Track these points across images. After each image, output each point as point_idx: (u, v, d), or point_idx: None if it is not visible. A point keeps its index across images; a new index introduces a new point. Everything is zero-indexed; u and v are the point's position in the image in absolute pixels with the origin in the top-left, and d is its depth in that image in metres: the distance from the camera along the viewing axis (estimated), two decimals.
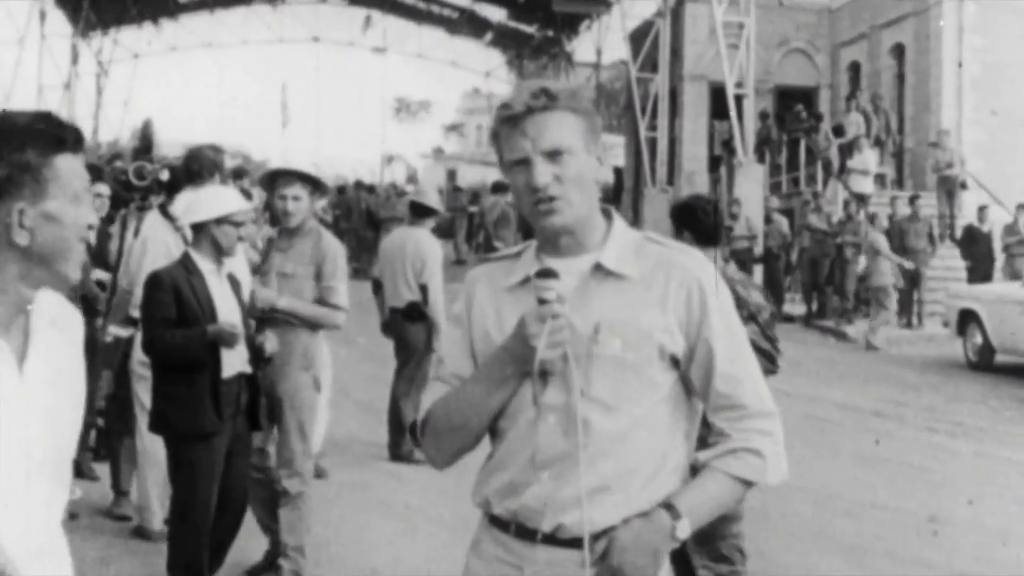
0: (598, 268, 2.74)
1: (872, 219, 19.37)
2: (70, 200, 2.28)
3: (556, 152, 2.67)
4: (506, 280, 2.83)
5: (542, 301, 2.63)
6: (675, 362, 2.74)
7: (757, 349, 5.50)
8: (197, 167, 7.26)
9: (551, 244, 2.78)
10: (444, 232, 24.63)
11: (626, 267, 2.74)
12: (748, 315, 5.59)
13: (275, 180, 6.59)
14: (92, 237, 2.66)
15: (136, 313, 6.99)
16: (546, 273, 2.65)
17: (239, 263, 6.45)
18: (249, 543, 6.32)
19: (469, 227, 29.10)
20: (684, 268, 2.75)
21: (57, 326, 2.36)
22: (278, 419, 6.45)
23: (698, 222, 5.78)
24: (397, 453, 9.58)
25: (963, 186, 21.74)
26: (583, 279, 2.74)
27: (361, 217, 27.78)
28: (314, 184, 6.61)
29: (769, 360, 5.57)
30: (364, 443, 10.21)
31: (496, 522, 2.79)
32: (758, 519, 7.27)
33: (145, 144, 11.67)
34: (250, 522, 6.25)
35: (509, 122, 2.71)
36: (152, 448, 6.82)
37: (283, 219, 6.54)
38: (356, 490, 8.85)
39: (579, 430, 2.66)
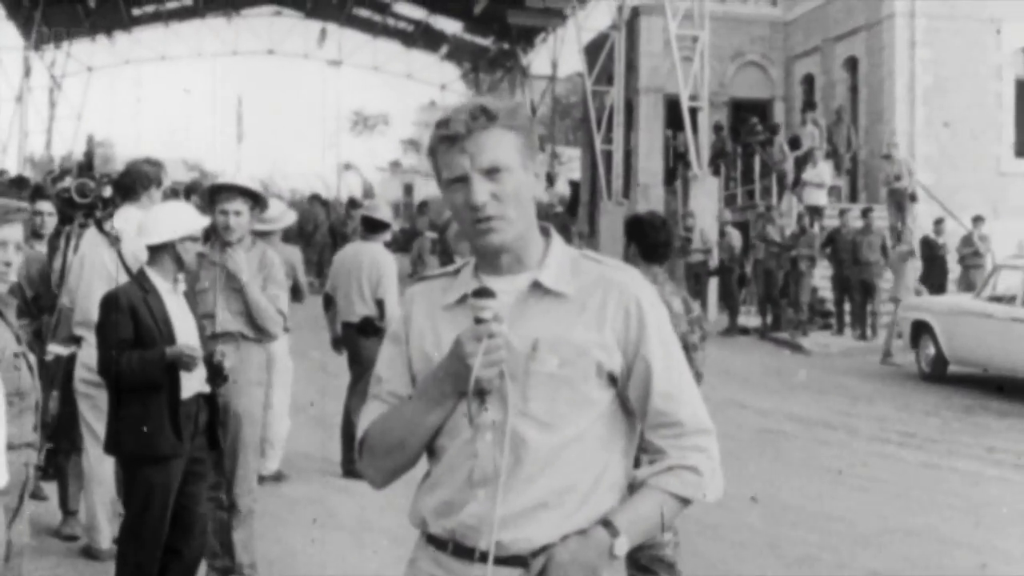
0: (536, 286, 2.75)
1: (899, 235, 19.62)
2: None
3: (494, 170, 2.67)
4: (443, 298, 2.83)
5: (479, 320, 2.63)
6: (612, 380, 2.74)
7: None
8: (130, 181, 7.20)
9: (489, 262, 2.78)
10: (400, 246, 24.62)
11: (564, 285, 2.75)
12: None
13: (216, 195, 6.57)
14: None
15: (79, 331, 6.94)
16: (483, 292, 2.65)
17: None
18: None
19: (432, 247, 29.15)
20: (622, 286, 2.76)
21: None
22: (233, 436, 6.40)
23: (645, 236, 5.83)
24: (350, 469, 9.54)
25: (912, 198, 21.91)
26: (521, 297, 2.74)
27: (322, 232, 27.82)
28: (255, 199, 6.58)
29: None
30: (317, 458, 10.17)
31: (433, 541, 2.78)
32: (709, 531, 7.31)
33: (88, 160, 11.56)
34: None
35: (447, 141, 2.71)
36: (99, 467, 6.78)
37: (224, 233, 6.50)
38: (309, 504, 8.82)
39: (505, 448, 2.66)
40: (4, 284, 4.39)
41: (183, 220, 5.87)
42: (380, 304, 9.52)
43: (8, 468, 3.95)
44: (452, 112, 2.73)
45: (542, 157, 2.83)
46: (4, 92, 32.40)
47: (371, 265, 9.48)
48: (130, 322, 5.64)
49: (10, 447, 4.11)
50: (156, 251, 5.81)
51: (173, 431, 5.58)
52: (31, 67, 33.51)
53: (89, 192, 8.24)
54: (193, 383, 5.75)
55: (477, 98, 2.79)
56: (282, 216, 9.90)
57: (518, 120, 2.73)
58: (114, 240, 6.94)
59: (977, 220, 20.35)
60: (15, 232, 4.36)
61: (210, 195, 6.61)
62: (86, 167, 11.21)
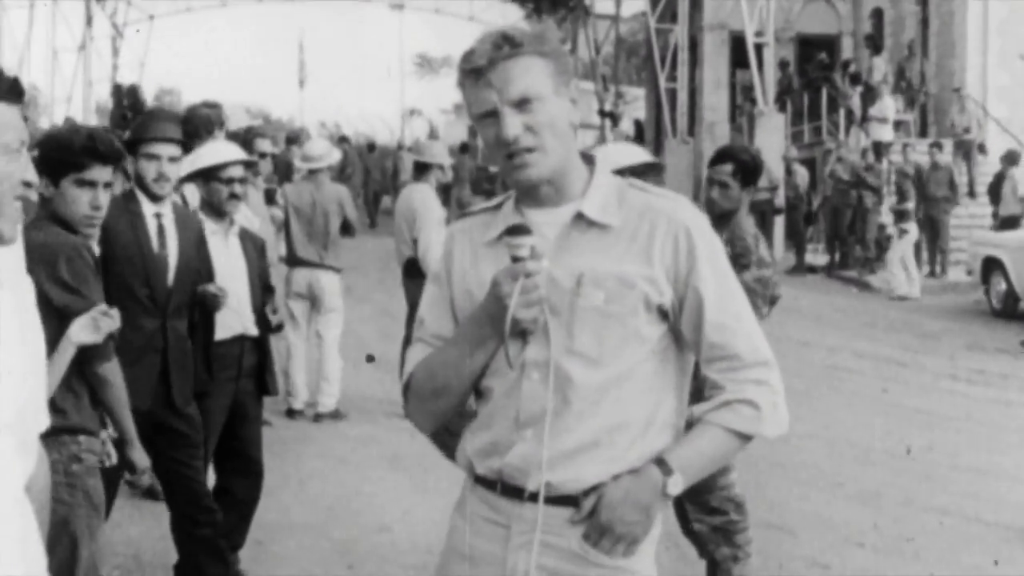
0: (579, 218, 2.64)
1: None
2: (1, 152, 2.16)
3: (524, 100, 2.55)
4: (484, 235, 2.74)
5: (515, 259, 2.54)
6: (663, 314, 2.64)
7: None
8: (192, 128, 7.18)
9: (530, 195, 2.68)
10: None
11: (609, 216, 2.64)
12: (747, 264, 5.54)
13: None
14: (32, 194, 2.53)
15: None
16: (518, 229, 2.55)
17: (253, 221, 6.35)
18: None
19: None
20: (670, 215, 2.64)
21: (7, 287, 2.24)
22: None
23: (739, 159, 5.70)
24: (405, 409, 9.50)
25: (981, 149, 21.39)
26: (564, 230, 2.64)
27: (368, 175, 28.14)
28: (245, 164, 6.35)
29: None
30: (377, 399, 10.19)
31: (482, 481, 2.72)
32: (773, 468, 7.21)
33: (134, 110, 11.58)
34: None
35: (472, 75, 2.59)
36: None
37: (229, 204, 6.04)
38: (369, 445, 8.83)
39: (550, 386, 2.58)
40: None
41: (202, 156, 5.82)
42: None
43: None
44: (476, 44, 2.61)
45: (577, 83, 2.69)
46: (67, 42, 32.68)
47: (409, 206, 9.36)
48: None
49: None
50: (202, 187, 5.78)
51: (205, 369, 5.56)
52: (92, 16, 33.71)
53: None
54: (234, 324, 5.76)
55: (502, 28, 2.65)
56: (327, 154, 9.88)
57: (546, 45, 2.60)
58: (178, 185, 6.92)
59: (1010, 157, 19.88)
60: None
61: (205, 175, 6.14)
62: (130, 116, 11.24)
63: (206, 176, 5.79)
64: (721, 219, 5.54)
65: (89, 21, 33.54)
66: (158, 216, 5.16)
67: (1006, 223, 18.74)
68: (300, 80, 37.30)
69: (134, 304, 4.99)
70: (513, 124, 2.54)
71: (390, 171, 28.97)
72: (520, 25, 2.73)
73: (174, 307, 5.18)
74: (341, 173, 25.34)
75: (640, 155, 5.79)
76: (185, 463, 5.22)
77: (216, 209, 5.80)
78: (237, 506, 5.87)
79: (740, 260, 5.50)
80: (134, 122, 5.41)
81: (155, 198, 5.13)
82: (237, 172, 5.82)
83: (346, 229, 9.76)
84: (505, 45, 2.56)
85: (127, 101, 11.47)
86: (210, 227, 5.74)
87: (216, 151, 5.92)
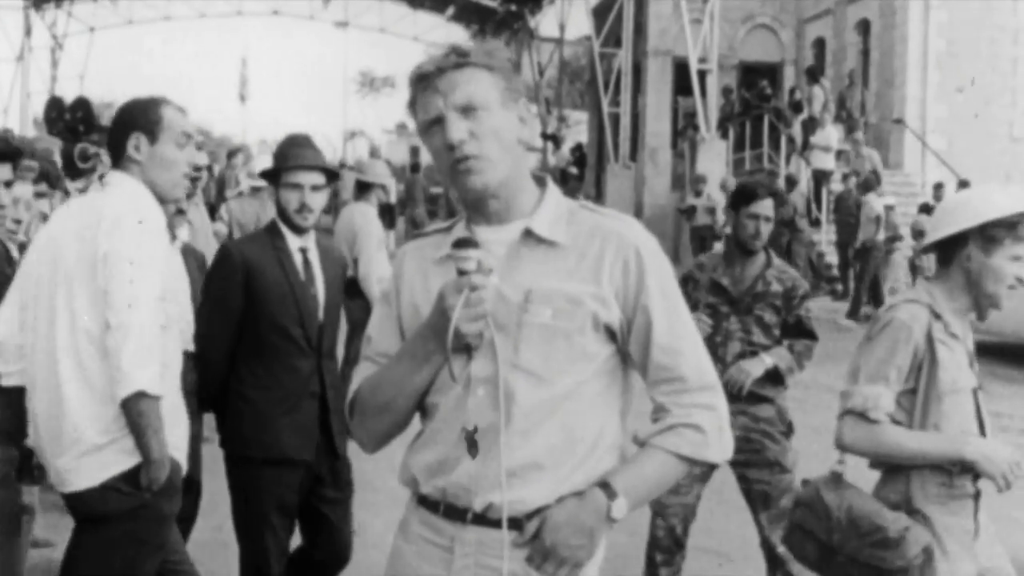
0: (528, 235, 2.63)
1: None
2: None
3: (470, 108, 2.56)
4: (435, 253, 2.72)
5: (461, 272, 2.51)
6: (611, 334, 2.62)
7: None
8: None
9: (478, 211, 2.66)
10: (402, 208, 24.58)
11: (558, 234, 2.63)
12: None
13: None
14: None
15: None
16: (464, 243, 2.53)
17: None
18: None
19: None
20: (620, 236, 2.63)
21: None
22: None
23: (777, 193, 5.71)
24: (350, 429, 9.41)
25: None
26: (513, 246, 2.63)
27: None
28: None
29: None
30: None
31: (424, 502, 2.68)
32: (712, 495, 7.19)
33: (87, 123, 11.39)
34: None
35: (422, 82, 2.61)
36: None
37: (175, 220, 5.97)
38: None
39: (501, 402, 2.55)
40: (12, 244, 4.31)
41: None
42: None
43: None
44: (426, 57, 2.64)
45: (527, 104, 2.69)
46: (5, 51, 32.30)
47: (350, 225, 9.27)
48: None
49: None
50: None
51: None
52: (32, 26, 33.35)
53: (90, 156, 8.13)
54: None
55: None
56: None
57: (495, 60, 2.63)
58: None
59: (938, 188, 20.13)
60: (23, 189, 4.26)
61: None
62: (86, 130, 11.07)
63: None
64: (750, 253, 5.54)
65: (28, 31, 33.19)
66: (303, 250, 4.93)
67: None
68: (242, 96, 37.12)
69: (289, 345, 4.79)
70: (458, 128, 2.54)
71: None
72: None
73: (327, 346, 4.94)
74: None
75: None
76: (341, 512, 5.02)
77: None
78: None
79: (793, 293, 5.50)
80: (278, 149, 4.99)
81: (298, 230, 4.87)
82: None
83: None
84: (453, 54, 2.59)
85: (79, 114, 11.29)
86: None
87: None
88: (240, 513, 4.84)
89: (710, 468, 2.79)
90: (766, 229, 5.50)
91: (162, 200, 4.10)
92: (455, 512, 2.61)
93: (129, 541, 3.97)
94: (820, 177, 21.93)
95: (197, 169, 9.08)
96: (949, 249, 3.80)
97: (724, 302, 5.49)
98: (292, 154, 4.81)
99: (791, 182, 20.31)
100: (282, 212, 4.84)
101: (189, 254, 5.90)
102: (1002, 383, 13.14)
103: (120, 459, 3.87)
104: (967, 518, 3.73)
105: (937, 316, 3.76)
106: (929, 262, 16.55)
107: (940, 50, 24.76)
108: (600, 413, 2.63)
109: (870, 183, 19.08)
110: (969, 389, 3.78)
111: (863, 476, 3.86)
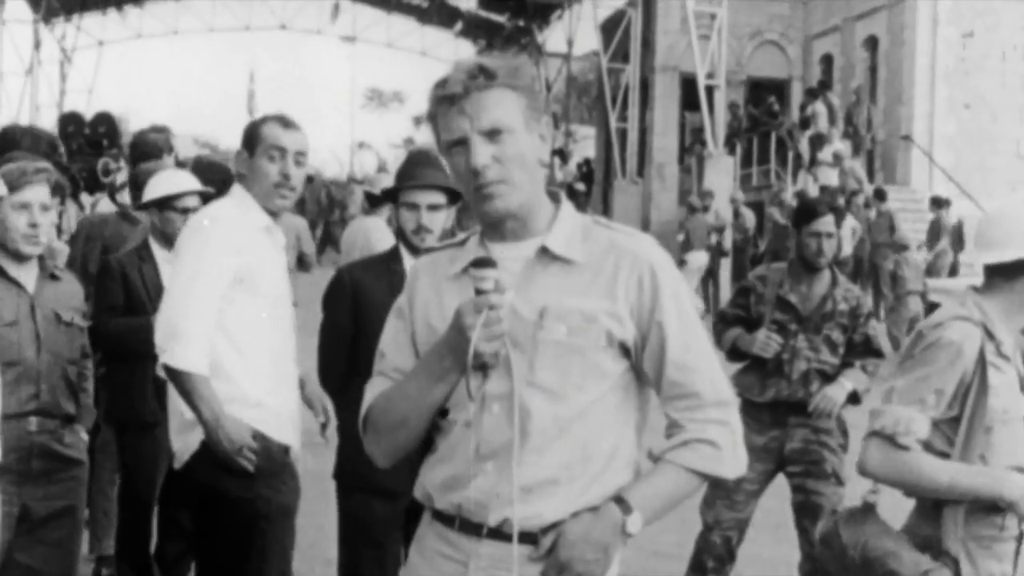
0: (544, 252, 2.63)
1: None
2: None
3: (495, 131, 2.55)
4: (449, 269, 2.72)
5: (479, 291, 2.50)
6: (625, 351, 2.62)
7: None
8: (140, 152, 7.10)
9: (495, 229, 2.66)
10: None
11: (573, 251, 2.63)
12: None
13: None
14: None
15: None
16: (483, 262, 2.52)
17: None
18: None
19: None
20: (635, 253, 2.63)
21: None
22: None
23: (837, 209, 5.76)
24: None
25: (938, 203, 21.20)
26: (528, 264, 2.63)
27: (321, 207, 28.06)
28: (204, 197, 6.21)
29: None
30: (328, 432, 10.03)
31: (440, 517, 2.68)
32: None
33: (110, 138, 11.48)
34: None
35: (445, 101, 2.58)
36: None
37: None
38: (320, 479, 8.68)
39: (516, 419, 2.54)
40: (34, 247, 4.28)
41: (160, 184, 5.74)
42: None
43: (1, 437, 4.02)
44: (450, 72, 2.61)
45: (547, 119, 2.68)
46: (14, 65, 32.35)
47: (364, 240, 9.23)
48: (120, 289, 5.57)
49: (4, 417, 4.07)
50: (157, 216, 5.69)
51: (156, 400, 5.49)
52: (41, 40, 33.44)
53: (112, 170, 8.16)
54: None
55: (476, 57, 2.64)
56: None
57: (520, 79, 2.61)
58: (120, 211, 6.82)
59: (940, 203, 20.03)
60: (40, 193, 4.26)
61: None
62: (110, 145, 11.12)
63: (160, 205, 5.69)
64: (816, 270, 5.55)
65: (37, 45, 33.28)
66: None
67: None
68: (250, 110, 37.11)
69: None
70: (483, 153, 2.53)
71: (325, 202, 28.85)
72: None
73: None
74: (300, 205, 25.23)
75: None
76: None
77: (170, 239, 5.70)
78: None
79: (859, 312, 5.52)
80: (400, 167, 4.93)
81: (417, 252, 4.61)
82: (193, 202, 5.72)
83: (301, 264, 9.61)
84: (480, 75, 2.56)
85: (102, 128, 11.35)
86: (162, 255, 5.66)
87: (172, 180, 5.83)
88: (349, 544, 4.69)
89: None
90: (829, 246, 5.52)
91: (265, 208, 4.38)
92: (470, 527, 2.61)
93: (237, 521, 4.23)
94: (826, 192, 21.87)
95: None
96: (1016, 266, 3.45)
97: (792, 320, 5.51)
98: (410, 173, 4.66)
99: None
100: (400, 233, 4.69)
101: None
102: None
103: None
104: (1008, 563, 3.43)
105: (991, 336, 3.41)
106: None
107: (948, 67, 24.76)
108: (615, 429, 2.63)
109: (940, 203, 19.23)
110: (1022, 417, 3.44)
111: (902, 507, 3.59)
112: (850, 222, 18.44)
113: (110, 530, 6.27)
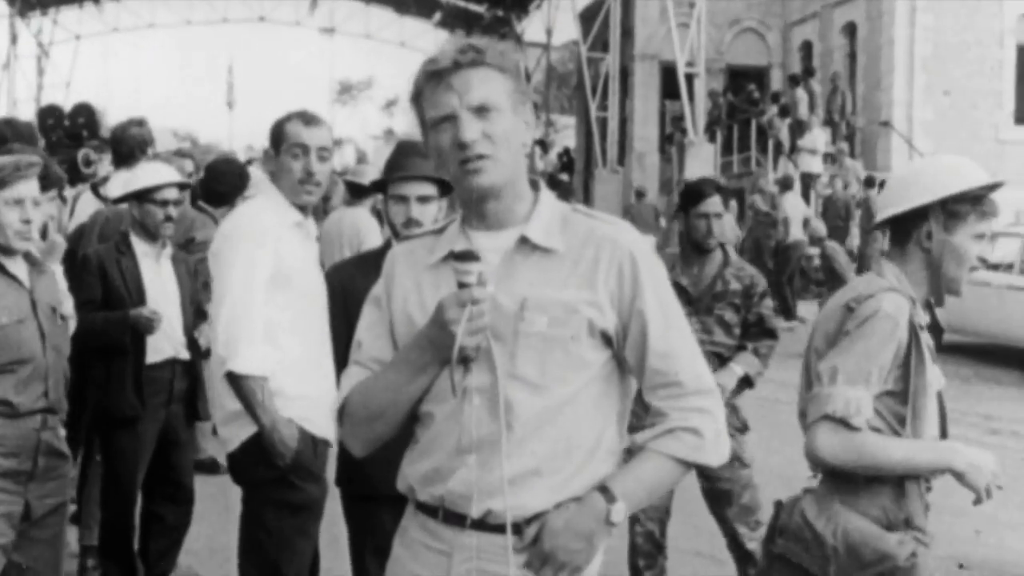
0: (523, 242, 2.61)
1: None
2: None
3: (484, 108, 2.53)
4: (428, 258, 2.70)
5: (462, 285, 2.49)
6: (607, 340, 2.61)
7: None
8: (127, 148, 7.08)
9: (477, 212, 2.64)
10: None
11: (553, 241, 2.61)
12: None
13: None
14: None
15: None
16: (466, 256, 2.50)
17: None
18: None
19: None
20: (615, 241, 2.62)
21: None
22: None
23: (721, 188, 5.73)
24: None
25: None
26: (508, 254, 2.61)
27: None
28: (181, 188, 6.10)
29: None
30: None
31: (423, 508, 2.67)
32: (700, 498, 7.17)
33: (90, 129, 11.38)
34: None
35: (434, 78, 2.56)
36: None
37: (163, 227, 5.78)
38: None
39: (501, 412, 2.54)
40: (25, 243, 4.24)
41: (139, 177, 5.71)
42: None
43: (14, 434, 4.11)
44: (440, 49, 2.60)
45: (531, 107, 2.67)
46: None
47: (352, 231, 9.14)
48: (98, 283, 5.56)
49: (16, 415, 4.13)
50: (137, 208, 5.66)
51: (135, 394, 5.48)
52: (17, 34, 33.27)
53: (93, 161, 8.12)
54: (165, 348, 5.65)
55: (464, 38, 2.63)
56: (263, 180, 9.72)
57: (507, 63, 2.60)
58: (111, 205, 6.79)
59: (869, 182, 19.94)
60: (31, 188, 4.22)
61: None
62: (90, 136, 11.03)
63: (140, 197, 5.66)
64: (706, 251, 5.54)
65: (14, 39, 33.10)
66: None
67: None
68: (229, 103, 37.04)
69: None
70: (472, 128, 2.52)
71: None
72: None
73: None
74: None
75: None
76: None
77: (149, 231, 5.68)
78: (167, 532, 5.79)
79: (752, 291, 5.51)
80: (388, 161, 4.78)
81: None
82: (172, 194, 5.70)
83: None
84: (471, 51, 2.55)
85: (81, 119, 11.24)
86: (141, 249, 5.65)
87: (151, 172, 5.80)
88: (356, 551, 4.60)
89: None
90: (718, 227, 5.51)
91: (294, 204, 4.49)
92: (454, 518, 2.60)
93: (274, 509, 4.40)
94: (808, 180, 21.95)
95: (189, 176, 9.08)
96: (905, 226, 3.41)
97: (684, 302, 5.46)
98: (399, 164, 4.47)
99: (786, 184, 20.31)
100: (391, 227, 4.52)
101: (179, 261, 5.89)
102: (989, 385, 13.17)
103: (250, 424, 4.35)
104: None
105: (914, 303, 3.35)
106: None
107: (926, 53, 24.81)
108: (598, 419, 2.62)
109: (788, 183, 19.30)
110: (937, 389, 3.44)
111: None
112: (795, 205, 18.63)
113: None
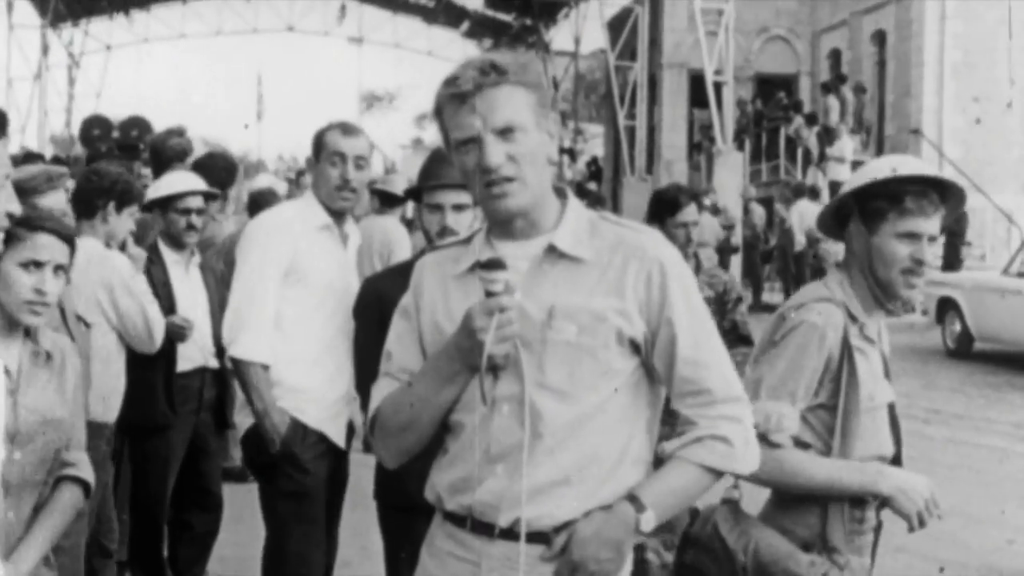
0: (551, 250, 2.61)
1: None
2: None
3: (508, 129, 2.53)
4: (455, 267, 2.70)
5: (489, 293, 2.49)
6: (635, 348, 2.61)
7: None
8: (166, 159, 7.13)
9: (502, 227, 2.65)
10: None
11: (581, 249, 2.61)
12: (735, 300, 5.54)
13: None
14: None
15: None
16: (492, 264, 2.51)
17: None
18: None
19: None
20: (643, 249, 2.61)
21: None
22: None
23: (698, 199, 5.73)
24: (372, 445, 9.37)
25: None
26: (536, 262, 2.61)
27: None
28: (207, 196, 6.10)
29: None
30: None
31: (451, 518, 2.67)
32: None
33: (142, 141, 11.50)
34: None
35: (455, 99, 2.56)
36: None
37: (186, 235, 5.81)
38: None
39: (526, 421, 2.54)
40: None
41: (161, 186, 5.74)
42: None
43: None
44: (459, 68, 2.59)
45: (555, 115, 2.66)
46: (22, 70, 32.39)
47: (382, 240, 9.16)
48: None
49: None
50: (161, 218, 5.70)
51: (167, 402, 5.50)
52: (48, 45, 33.47)
53: (143, 175, 8.18)
54: (195, 356, 5.69)
55: (486, 53, 2.62)
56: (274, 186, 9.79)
57: (530, 76, 2.59)
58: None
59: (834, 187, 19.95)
60: (59, 199, 4.23)
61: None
62: (141, 147, 11.13)
63: (163, 206, 5.70)
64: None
65: (45, 50, 33.31)
66: None
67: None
68: (258, 113, 37.17)
69: None
70: (496, 152, 2.51)
71: None
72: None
73: None
74: None
75: None
76: None
77: (175, 240, 5.70)
78: (196, 539, 5.84)
79: (726, 297, 5.49)
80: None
81: None
82: (196, 203, 5.73)
83: None
84: (492, 72, 2.54)
85: (135, 132, 11.32)
86: (171, 257, 5.68)
87: (174, 181, 5.83)
88: (392, 563, 4.58)
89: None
90: (696, 234, 5.54)
91: (330, 209, 4.66)
92: (482, 527, 2.60)
93: (271, 492, 4.67)
94: (836, 188, 21.85)
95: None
96: (843, 232, 3.29)
97: None
98: (433, 172, 4.33)
99: (814, 193, 20.23)
100: (426, 235, 4.41)
101: (208, 269, 5.92)
102: (1020, 393, 13.07)
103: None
104: (867, 556, 3.30)
105: (853, 318, 3.23)
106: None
107: (956, 60, 24.69)
108: (626, 427, 2.62)
109: (801, 190, 19.19)
110: (885, 404, 3.31)
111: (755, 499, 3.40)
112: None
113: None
